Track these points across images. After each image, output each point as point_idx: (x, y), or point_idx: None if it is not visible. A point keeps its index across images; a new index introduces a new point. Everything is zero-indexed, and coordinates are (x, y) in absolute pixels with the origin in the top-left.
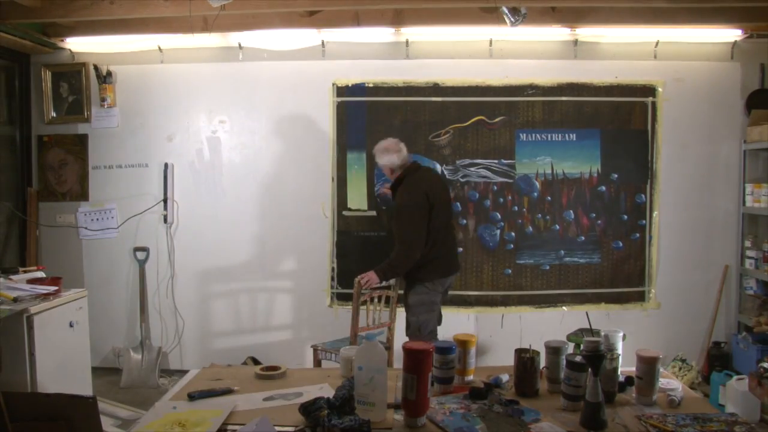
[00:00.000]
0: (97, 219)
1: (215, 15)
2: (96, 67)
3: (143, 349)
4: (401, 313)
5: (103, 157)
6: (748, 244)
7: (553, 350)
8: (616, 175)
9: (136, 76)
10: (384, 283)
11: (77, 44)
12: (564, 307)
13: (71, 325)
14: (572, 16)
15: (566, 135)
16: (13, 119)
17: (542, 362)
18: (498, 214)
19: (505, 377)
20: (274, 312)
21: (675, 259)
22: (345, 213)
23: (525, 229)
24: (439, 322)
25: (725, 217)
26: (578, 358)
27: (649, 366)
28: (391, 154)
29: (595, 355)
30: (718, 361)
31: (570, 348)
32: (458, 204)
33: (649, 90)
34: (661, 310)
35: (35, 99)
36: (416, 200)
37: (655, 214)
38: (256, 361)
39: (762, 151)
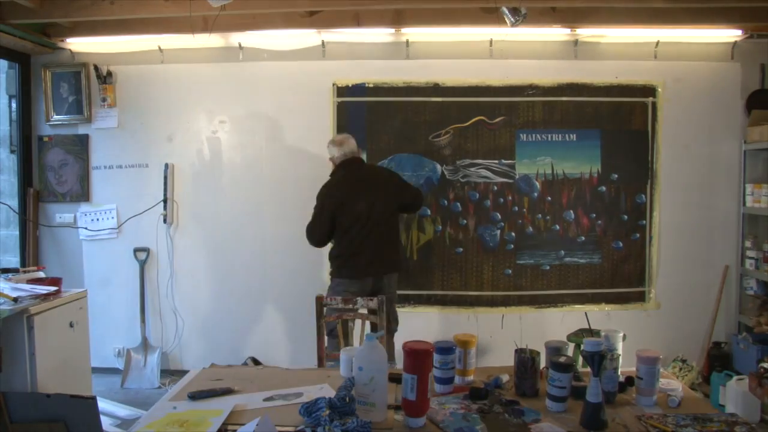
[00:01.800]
0: (97, 219)
1: (215, 15)
2: (96, 68)
3: (143, 349)
4: (403, 313)
5: (103, 158)
6: (748, 244)
7: (554, 350)
8: (616, 176)
9: (136, 76)
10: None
11: (77, 44)
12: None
13: (71, 325)
14: (572, 17)
15: (566, 135)
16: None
17: (542, 362)
18: (498, 214)
19: (505, 377)
20: (274, 312)
21: (675, 259)
22: None
23: (525, 230)
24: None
25: (725, 217)
26: (562, 359)
27: (649, 366)
28: (332, 146)
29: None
30: (718, 361)
31: (570, 348)
32: (458, 204)
33: (649, 90)
34: (661, 311)
35: (35, 99)
36: (320, 199)
37: (655, 214)
38: (256, 361)
39: (762, 151)
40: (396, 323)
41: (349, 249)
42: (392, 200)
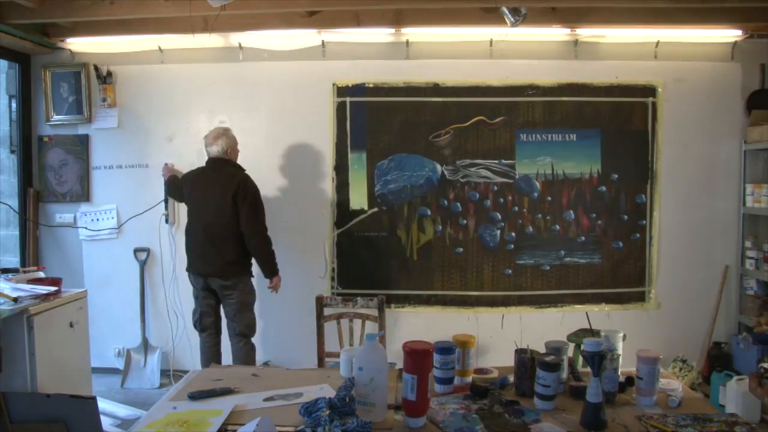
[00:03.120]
0: (98, 219)
1: (215, 15)
2: (96, 68)
3: (143, 349)
4: (403, 314)
5: (103, 158)
6: (748, 244)
7: (554, 350)
8: (616, 176)
9: (136, 76)
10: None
11: (77, 44)
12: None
13: (71, 325)
14: (572, 16)
15: (566, 135)
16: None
17: None
18: (498, 214)
19: (496, 374)
20: (274, 312)
21: (675, 259)
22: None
23: (525, 230)
24: (205, 322)
25: (725, 217)
26: (550, 359)
27: (649, 366)
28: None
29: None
30: (718, 361)
31: (570, 348)
32: (458, 204)
33: (649, 90)
34: (662, 311)
35: (35, 99)
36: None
37: (655, 214)
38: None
39: (762, 152)
40: (249, 330)
41: (186, 240)
42: (225, 211)
